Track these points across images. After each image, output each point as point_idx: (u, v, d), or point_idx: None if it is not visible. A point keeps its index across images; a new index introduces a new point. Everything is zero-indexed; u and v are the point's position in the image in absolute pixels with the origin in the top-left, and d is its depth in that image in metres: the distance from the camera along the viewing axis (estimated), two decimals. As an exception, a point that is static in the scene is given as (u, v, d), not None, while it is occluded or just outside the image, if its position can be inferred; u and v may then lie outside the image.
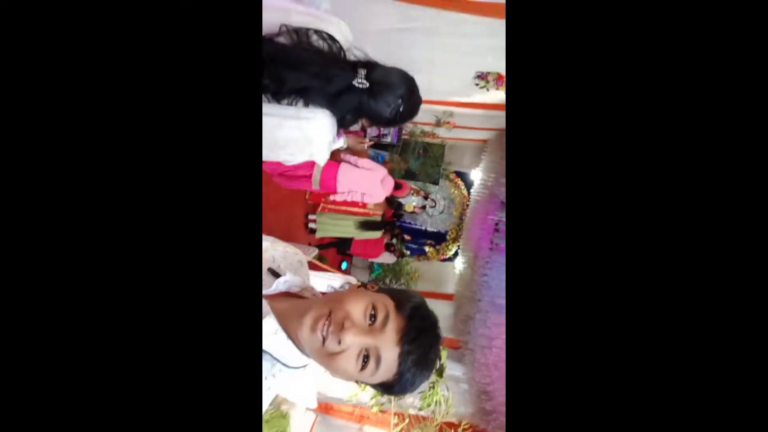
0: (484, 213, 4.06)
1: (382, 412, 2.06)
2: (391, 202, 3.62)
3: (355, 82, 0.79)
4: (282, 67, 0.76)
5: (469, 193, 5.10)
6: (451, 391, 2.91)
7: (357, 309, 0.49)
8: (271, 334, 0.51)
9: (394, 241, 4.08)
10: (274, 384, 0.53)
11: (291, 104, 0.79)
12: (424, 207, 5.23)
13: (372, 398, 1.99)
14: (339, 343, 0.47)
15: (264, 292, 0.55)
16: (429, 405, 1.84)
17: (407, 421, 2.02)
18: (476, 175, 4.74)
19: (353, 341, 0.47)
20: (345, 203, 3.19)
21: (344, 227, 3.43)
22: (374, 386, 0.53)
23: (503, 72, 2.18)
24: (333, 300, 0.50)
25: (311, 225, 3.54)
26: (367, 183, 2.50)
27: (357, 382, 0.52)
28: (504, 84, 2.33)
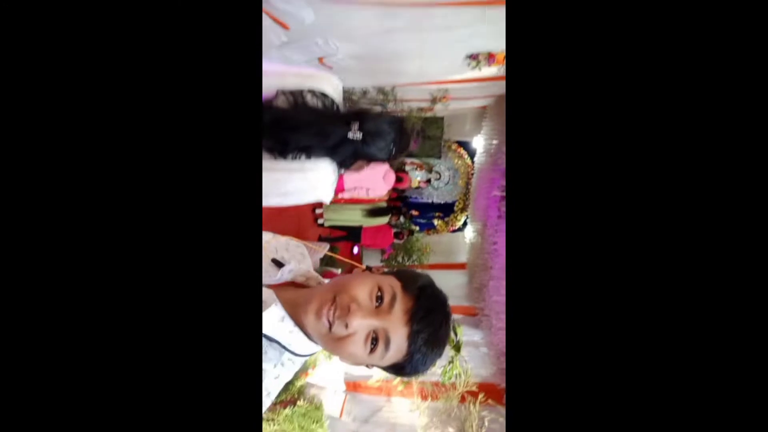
0: (489, 181, 4.09)
1: (407, 386, 2.26)
2: (396, 192, 3.72)
3: (349, 135, 0.87)
4: (284, 130, 0.85)
5: (473, 162, 5.11)
6: (471, 356, 3.13)
7: (362, 292, 0.48)
8: (278, 321, 0.50)
9: (402, 220, 4.20)
10: (283, 372, 0.52)
11: (295, 159, 0.88)
12: (428, 180, 5.28)
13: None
14: (346, 327, 0.46)
15: (269, 281, 0.55)
16: (450, 378, 2.02)
17: (431, 390, 2.22)
18: (478, 142, 4.73)
19: (360, 324, 0.46)
20: (352, 200, 3.34)
21: (351, 215, 3.55)
22: (385, 369, 0.52)
23: (493, 50, 2.16)
24: (337, 285, 0.49)
25: (319, 220, 3.67)
26: (370, 180, 2.82)
27: (367, 366, 0.52)
28: (496, 61, 2.32)
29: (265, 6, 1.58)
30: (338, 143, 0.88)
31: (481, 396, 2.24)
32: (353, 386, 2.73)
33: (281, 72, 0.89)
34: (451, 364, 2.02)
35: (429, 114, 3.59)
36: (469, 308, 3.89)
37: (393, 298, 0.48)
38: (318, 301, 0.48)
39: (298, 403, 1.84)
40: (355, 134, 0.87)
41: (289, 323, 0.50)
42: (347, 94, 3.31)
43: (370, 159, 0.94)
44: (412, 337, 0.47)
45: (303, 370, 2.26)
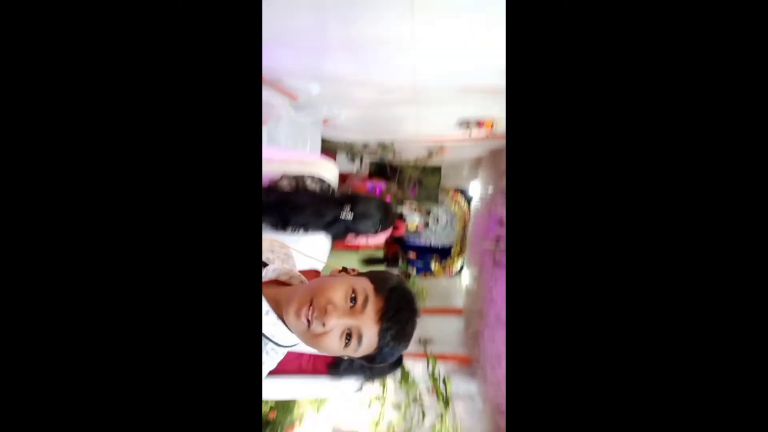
0: (484, 229, 4.20)
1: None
2: (395, 239, 3.87)
3: (341, 216, 1.00)
4: (286, 210, 0.98)
5: (470, 208, 5.25)
6: (466, 409, 3.04)
7: (338, 294, 0.53)
8: (263, 314, 0.55)
9: (399, 263, 4.27)
10: (267, 360, 0.58)
11: (294, 232, 1.01)
12: (426, 224, 5.40)
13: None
14: (323, 325, 0.51)
15: None
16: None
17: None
18: (475, 189, 4.91)
19: (336, 323, 0.52)
20: (351, 246, 3.56)
21: (348, 263, 3.64)
22: (358, 359, 0.57)
23: (481, 119, 2.36)
24: (315, 287, 0.54)
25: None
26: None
27: (343, 357, 0.58)
28: (484, 126, 2.51)
29: (274, 82, 1.78)
30: (332, 221, 1.03)
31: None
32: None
33: (286, 159, 1.04)
34: (441, 420, 2.00)
35: (426, 164, 3.77)
36: (465, 357, 3.83)
37: (365, 300, 0.54)
38: (297, 303, 0.53)
39: None
40: (346, 215, 1.01)
41: (272, 316, 0.56)
42: (349, 147, 3.52)
43: (359, 234, 1.07)
44: (381, 334, 0.53)
45: (290, 424, 2.23)
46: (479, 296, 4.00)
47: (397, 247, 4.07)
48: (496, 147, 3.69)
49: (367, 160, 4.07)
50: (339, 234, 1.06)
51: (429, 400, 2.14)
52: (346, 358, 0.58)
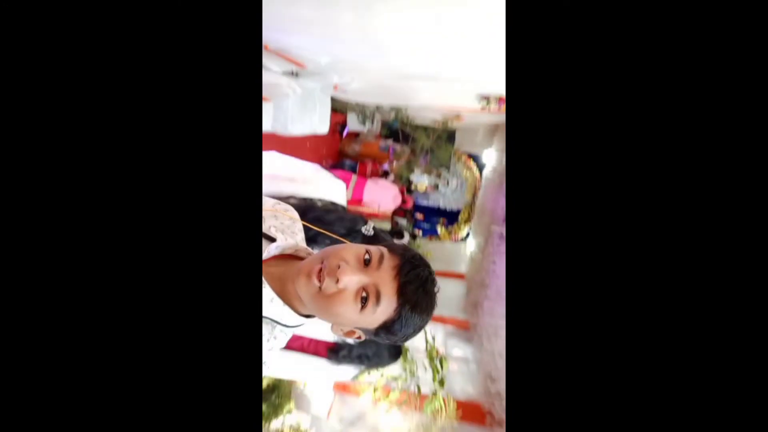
0: (494, 200, 4.12)
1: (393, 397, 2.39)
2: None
3: (363, 230, 0.95)
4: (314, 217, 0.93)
5: (481, 175, 5.11)
6: (460, 371, 3.23)
7: (350, 254, 0.50)
8: (268, 301, 0.52)
9: (405, 223, 4.33)
10: (275, 344, 0.55)
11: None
12: (436, 186, 5.32)
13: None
14: (337, 282, 0.47)
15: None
16: (432, 409, 2.13)
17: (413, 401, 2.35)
18: (489, 156, 4.73)
19: (351, 279, 0.48)
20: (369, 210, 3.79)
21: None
22: (376, 333, 0.52)
23: (503, 96, 2.18)
24: (325, 252, 0.51)
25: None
26: (383, 198, 3.53)
27: (359, 337, 0.54)
28: (504, 105, 2.33)
29: (280, 51, 1.62)
30: (351, 231, 0.97)
31: (458, 413, 2.35)
32: (342, 387, 2.88)
33: (293, 177, 0.97)
34: (434, 397, 2.13)
35: (440, 133, 3.61)
36: (463, 322, 3.98)
37: (381, 257, 0.50)
38: (308, 266, 0.50)
39: None
40: (369, 231, 0.95)
41: (278, 302, 0.53)
42: (361, 108, 3.34)
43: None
44: (401, 290, 0.48)
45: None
46: (482, 266, 4.05)
47: (404, 213, 4.09)
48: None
49: (379, 119, 3.89)
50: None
51: (425, 376, 2.26)
52: (354, 340, 0.54)
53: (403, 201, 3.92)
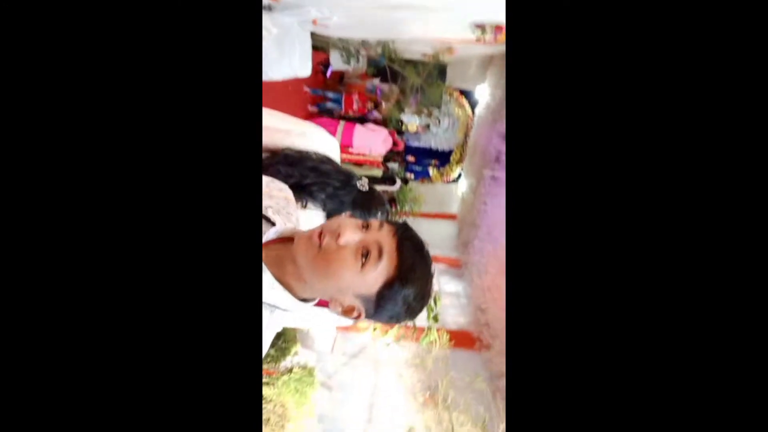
0: (486, 140, 4.04)
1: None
2: (387, 168, 3.97)
3: (358, 185, 0.94)
4: (297, 168, 0.90)
5: (473, 113, 4.94)
6: (451, 304, 3.46)
7: (349, 221, 0.51)
8: (269, 288, 0.51)
9: (396, 168, 4.30)
10: (273, 324, 0.55)
11: (302, 193, 0.93)
12: (428, 126, 5.15)
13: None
14: (337, 238, 0.48)
15: None
16: (427, 340, 2.31)
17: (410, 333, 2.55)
18: (481, 92, 4.52)
19: (351, 237, 0.49)
20: (359, 155, 3.82)
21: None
22: (376, 306, 0.51)
23: (501, 24, 2.00)
24: (324, 224, 0.52)
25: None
26: (373, 142, 3.51)
27: (358, 317, 0.52)
28: (503, 34, 2.15)
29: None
30: (344, 188, 0.95)
31: (451, 342, 2.57)
32: (344, 327, 3.09)
33: (288, 129, 0.92)
34: (429, 331, 2.30)
35: (431, 69, 3.40)
36: (455, 260, 4.16)
37: (380, 224, 0.51)
38: (308, 233, 0.51)
39: (294, 370, 2.17)
40: (363, 186, 0.94)
41: (278, 287, 0.52)
42: (344, 43, 3.07)
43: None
44: (399, 246, 0.49)
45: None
46: (474, 207, 4.11)
47: (395, 157, 4.04)
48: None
49: (365, 56, 3.61)
50: (336, 209, 0.99)
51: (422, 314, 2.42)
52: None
53: (394, 143, 3.89)
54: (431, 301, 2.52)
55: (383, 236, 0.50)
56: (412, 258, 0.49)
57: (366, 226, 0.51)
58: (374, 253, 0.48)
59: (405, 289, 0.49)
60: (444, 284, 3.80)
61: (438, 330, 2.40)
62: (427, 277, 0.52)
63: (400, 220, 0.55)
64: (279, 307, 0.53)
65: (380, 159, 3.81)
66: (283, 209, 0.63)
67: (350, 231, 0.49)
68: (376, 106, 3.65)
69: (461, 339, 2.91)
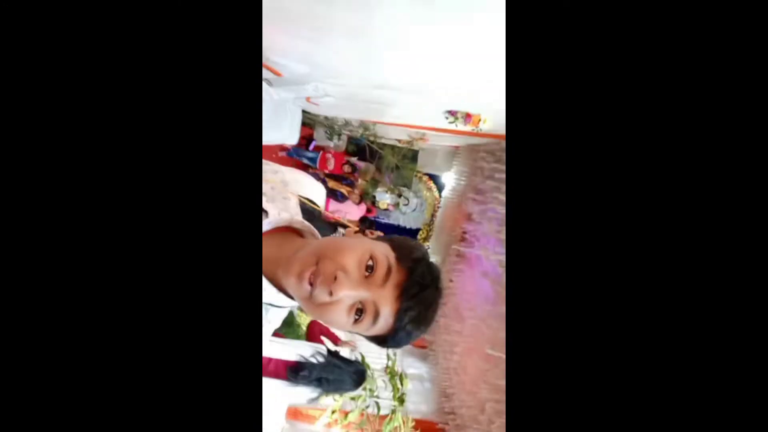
0: (452, 220, 4.29)
1: (345, 425, 2.30)
2: (364, 221, 4.12)
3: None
4: None
5: (440, 196, 5.31)
6: (415, 390, 3.21)
7: (352, 259, 0.44)
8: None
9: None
10: (269, 327, 0.52)
11: None
12: (397, 204, 5.42)
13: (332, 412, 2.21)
14: (330, 294, 0.42)
15: None
16: (390, 430, 2.09)
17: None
18: (448, 178, 4.94)
19: (347, 294, 0.43)
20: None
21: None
22: (367, 338, 0.49)
23: (470, 111, 2.33)
24: (323, 248, 0.45)
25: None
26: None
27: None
28: (472, 121, 2.48)
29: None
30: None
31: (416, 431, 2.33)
32: (293, 413, 2.73)
33: (277, 170, 0.95)
34: (393, 415, 2.10)
35: (405, 146, 3.75)
36: (421, 340, 4.00)
37: (387, 272, 0.44)
38: (300, 265, 0.44)
39: None
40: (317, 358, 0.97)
41: (271, 289, 0.48)
42: (329, 123, 3.36)
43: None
44: (399, 315, 0.44)
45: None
46: (440, 284, 4.13)
47: (364, 228, 4.15)
48: (474, 142, 3.71)
49: (345, 136, 3.93)
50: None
51: (385, 394, 2.22)
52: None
53: (368, 210, 4.09)
54: (398, 381, 2.34)
55: (385, 296, 0.44)
56: (414, 321, 0.45)
57: (370, 268, 0.44)
58: (369, 317, 0.44)
59: (397, 344, 0.47)
60: (407, 367, 3.58)
61: (403, 417, 2.19)
62: (427, 327, 0.47)
63: (415, 253, 0.47)
64: (274, 305, 0.49)
65: (357, 222, 3.93)
66: (278, 194, 0.57)
67: (347, 286, 0.42)
68: (353, 170, 3.87)
69: (425, 429, 2.65)
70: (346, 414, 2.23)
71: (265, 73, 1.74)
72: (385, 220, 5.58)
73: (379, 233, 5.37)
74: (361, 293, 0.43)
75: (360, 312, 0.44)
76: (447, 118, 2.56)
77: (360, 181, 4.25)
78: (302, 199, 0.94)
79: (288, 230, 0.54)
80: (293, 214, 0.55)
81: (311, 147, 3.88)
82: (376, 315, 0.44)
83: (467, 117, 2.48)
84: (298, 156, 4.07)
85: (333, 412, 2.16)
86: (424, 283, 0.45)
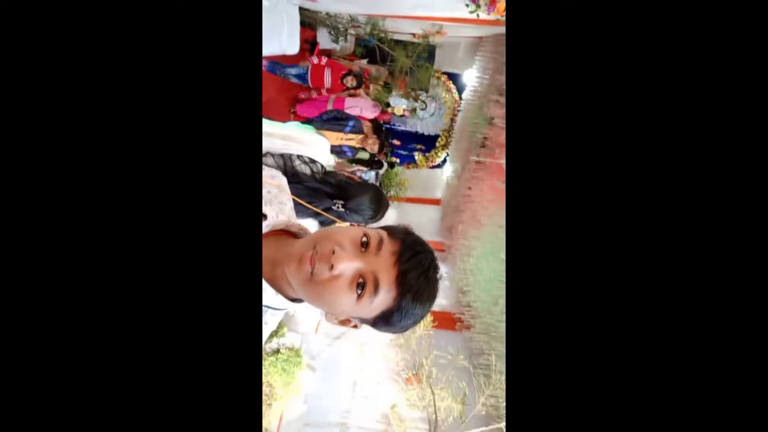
0: (473, 125, 4.05)
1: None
2: (378, 126, 3.85)
3: (333, 208, 0.94)
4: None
5: (461, 97, 4.93)
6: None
7: (346, 238, 0.46)
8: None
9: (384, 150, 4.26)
10: (266, 329, 0.53)
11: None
12: (414, 110, 5.12)
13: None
14: (330, 268, 0.44)
15: None
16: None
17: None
18: (469, 76, 4.50)
19: (347, 266, 0.44)
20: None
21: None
22: (374, 323, 0.49)
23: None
24: (319, 235, 0.48)
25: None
26: (362, 104, 3.48)
27: (354, 326, 0.51)
28: (496, 9, 2.14)
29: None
30: (322, 211, 0.95)
31: (434, 323, 2.64)
32: (329, 311, 3.12)
33: (270, 132, 0.88)
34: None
35: (421, 51, 3.34)
36: (439, 244, 4.22)
37: (380, 242, 0.46)
38: (299, 251, 0.46)
39: (281, 351, 2.18)
40: (338, 208, 0.95)
41: (270, 291, 0.50)
42: (334, 19, 2.97)
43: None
44: (400, 278, 0.45)
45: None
46: (458, 192, 4.16)
47: (381, 144, 3.99)
48: (501, 32, 3.24)
49: (353, 36, 3.51)
50: (327, 222, 0.99)
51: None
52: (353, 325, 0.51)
53: (383, 111, 3.90)
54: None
55: (382, 263, 0.45)
56: (414, 288, 0.45)
57: (365, 244, 0.46)
58: (370, 287, 0.45)
59: (404, 319, 0.47)
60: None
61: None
62: (432, 299, 0.48)
63: (405, 229, 0.49)
64: (271, 307, 0.51)
65: (371, 130, 3.77)
66: (275, 198, 0.59)
67: (345, 258, 0.44)
68: (360, 84, 3.18)
69: (443, 320, 2.98)
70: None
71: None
72: (402, 127, 5.35)
73: (396, 141, 5.23)
74: (359, 264, 0.45)
75: (361, 286, 0.45)
76: (467, 5, 2.21)
77: (371, 87, 3.94)
78: (304, 160, 0.90)
79: (285, 233, 0.55)
80: (290, 217, 0.56)
81: (315, 50, 3.51)
82: (377, 284, 0.45)
83: (491, 3, 2.13)
84: (282, 74, 3.01)
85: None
86: (418, 249, 0.47)
